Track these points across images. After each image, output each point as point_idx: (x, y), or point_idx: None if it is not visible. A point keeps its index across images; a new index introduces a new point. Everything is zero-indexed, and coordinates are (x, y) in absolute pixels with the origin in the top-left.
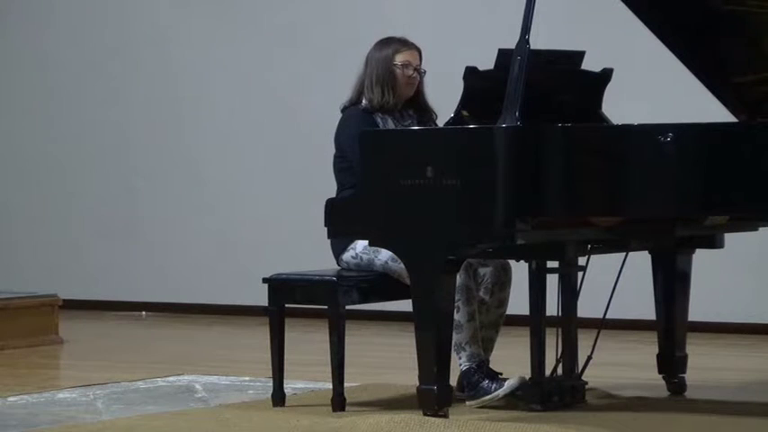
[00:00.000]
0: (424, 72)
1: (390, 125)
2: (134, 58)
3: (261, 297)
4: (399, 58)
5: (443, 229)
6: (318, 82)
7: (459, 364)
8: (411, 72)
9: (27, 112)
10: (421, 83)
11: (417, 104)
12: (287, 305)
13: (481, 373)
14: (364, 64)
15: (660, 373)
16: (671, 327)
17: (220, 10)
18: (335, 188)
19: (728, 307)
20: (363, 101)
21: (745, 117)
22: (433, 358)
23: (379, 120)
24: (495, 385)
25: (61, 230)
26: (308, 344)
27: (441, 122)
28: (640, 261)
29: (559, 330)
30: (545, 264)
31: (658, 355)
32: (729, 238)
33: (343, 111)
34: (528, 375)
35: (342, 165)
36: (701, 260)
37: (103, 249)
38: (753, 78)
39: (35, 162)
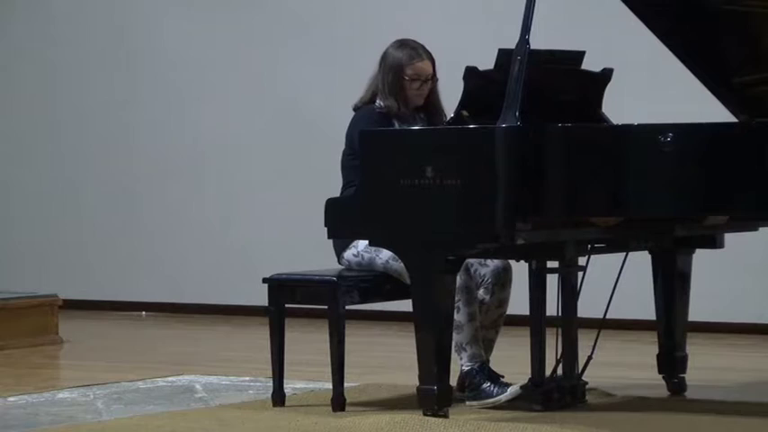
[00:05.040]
0: (437, 79)
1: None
2: (135, 58)
3: (261, 297)
4: (408, 72)
5: (443, 229)
6: (320, 82)
7: (460, 364)
8: (419, 85)
9: (28, 112)
10: (433, 88)
11: (429, 108)
12: (287, 305)
13: (483, 375)
14: (379, 63)
15: (660, 373)
16: (671, 327)
17: (222, 9)
18: (336, 188)
19: (728, 307)
20: (378, 101)
21: (745, 117)
22: (433, 358)
23: (395, 122)
24: (497, 389)
25: (61, 230)
26: (308, 344)
27: None
28: (640, 261)
29: (559, 330)
30: (545, 264)
31: (658, 355)
32: (729, 238)
33: (355, 110)
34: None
35: (351, 162)
36: (701, 260)
37: (103, 249)
38: (753, 78)
39: (35, 162)
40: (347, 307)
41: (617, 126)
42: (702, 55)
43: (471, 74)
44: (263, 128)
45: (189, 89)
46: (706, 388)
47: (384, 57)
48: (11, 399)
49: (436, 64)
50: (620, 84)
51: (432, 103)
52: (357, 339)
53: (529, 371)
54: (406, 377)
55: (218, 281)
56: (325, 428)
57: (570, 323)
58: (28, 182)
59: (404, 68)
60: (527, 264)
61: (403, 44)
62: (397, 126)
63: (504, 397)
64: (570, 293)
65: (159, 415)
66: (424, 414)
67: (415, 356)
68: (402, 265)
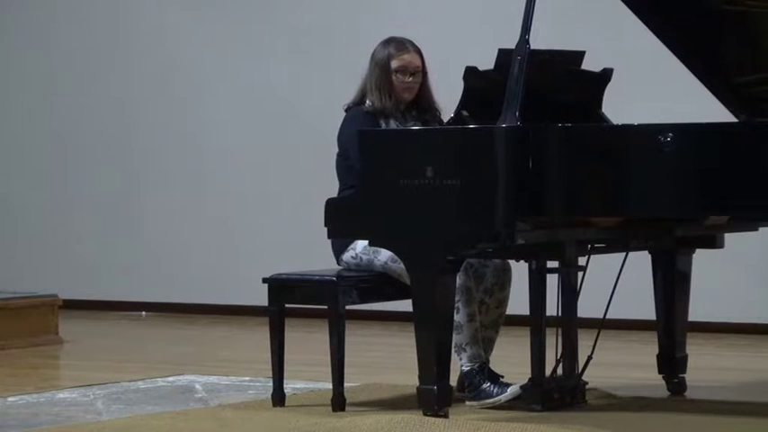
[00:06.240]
0: (426, 74)
1: (393, 127)
2: (136, 59)
3: (261, 297)
4: (394, 64)
5: (443, 229)
6: (319, 83)
7: (459, 365)
8: (407, 78)
9: (28, 113)
10: (424, 83)
11: (420, 105)
12: (287, 305)
13: (483, 376)
14: (369, 62)
15: (660, 373)
16: (671, 327)
17: (222, 11)
18: (336, 188)
19: (728, 307)
20: (367, 102)
21: (745, 117)
22: (433, 358)
23: (381, 122)
24: (497, 389)
25: (61, 230)
26: (308, 344)
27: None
28: (640, 261)
29: (559, 330)
30: (545, 264)
31: (658, 355)
32: (729, 238)
33: (347, 110)
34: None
35: (344, 164)
36: (701, 260)
37: (103, 249)
38: (753, 78)
39: (36, 162)
40: (347, 307)
41: (617, 126)
42: (702, 55)
43: (471, 74)
44: (262, 128)
45: (188, 90)
46: (706, 388)
47: (372, 55)
48: (11, 399)
49: (436, 64)
50: (620, 84)
51: (424, 99)
52: (357, 339)
53: (529, 371)
54: (406, 377)
55: (217, 281)
56: (325, 428)
57: (570, 323)
58: (27, 182)
59: (390, 61)
60: (527, 264)
61: (389, 40)
62: (383, 125)
63: (504, 397)
64: (570, 293)
65: (159, 415)
66: (424, 414)
67: (415, 356)
68: (401, 266)
